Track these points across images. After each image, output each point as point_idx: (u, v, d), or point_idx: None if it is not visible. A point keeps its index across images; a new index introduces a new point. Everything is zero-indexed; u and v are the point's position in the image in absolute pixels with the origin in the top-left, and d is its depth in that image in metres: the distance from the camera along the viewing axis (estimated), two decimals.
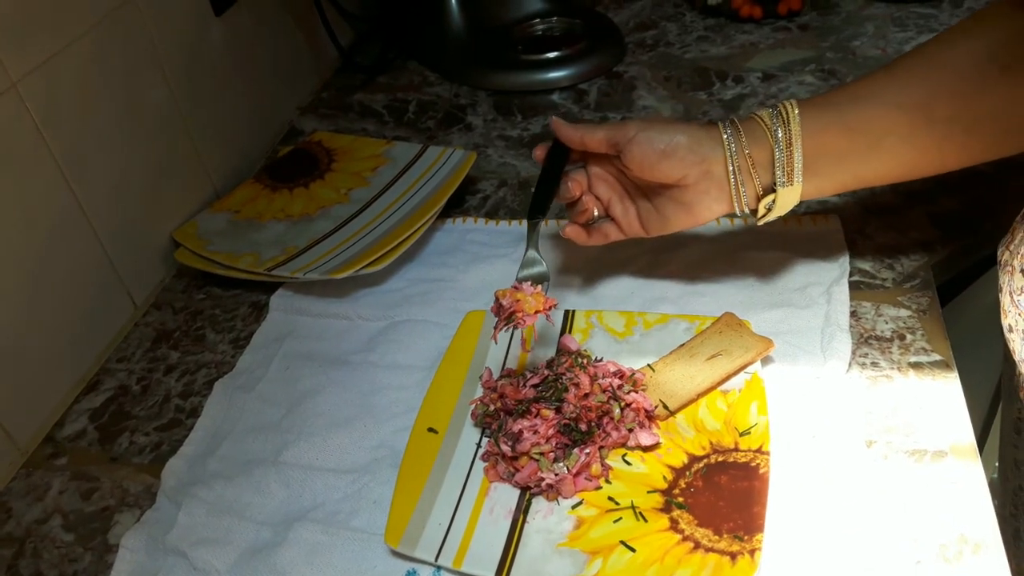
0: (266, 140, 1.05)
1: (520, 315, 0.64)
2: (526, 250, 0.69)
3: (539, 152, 0.72)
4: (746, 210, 0.66)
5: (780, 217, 0.79)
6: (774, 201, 0.65)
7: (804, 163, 0.63)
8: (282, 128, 1.08)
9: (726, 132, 0.64)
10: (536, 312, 0.64)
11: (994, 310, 0.62)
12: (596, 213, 0.71)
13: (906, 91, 0.61)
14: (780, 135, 0.62)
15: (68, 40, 0.74)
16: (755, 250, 0.76)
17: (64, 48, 0.74)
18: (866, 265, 0.74)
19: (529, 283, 0.65)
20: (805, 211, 0.80)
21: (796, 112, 0.62)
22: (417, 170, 0.92)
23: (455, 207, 0.90)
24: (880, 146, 0.62)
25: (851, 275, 0.72)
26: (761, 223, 0.67)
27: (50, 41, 0.73)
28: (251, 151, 1.02)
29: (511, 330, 0.65)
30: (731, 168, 0.64)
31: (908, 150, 0.62)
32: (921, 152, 0.62)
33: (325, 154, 0.98)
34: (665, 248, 0.78)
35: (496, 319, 0.65)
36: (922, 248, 0.74)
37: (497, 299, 0.65)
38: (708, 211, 0.66)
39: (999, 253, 0.60)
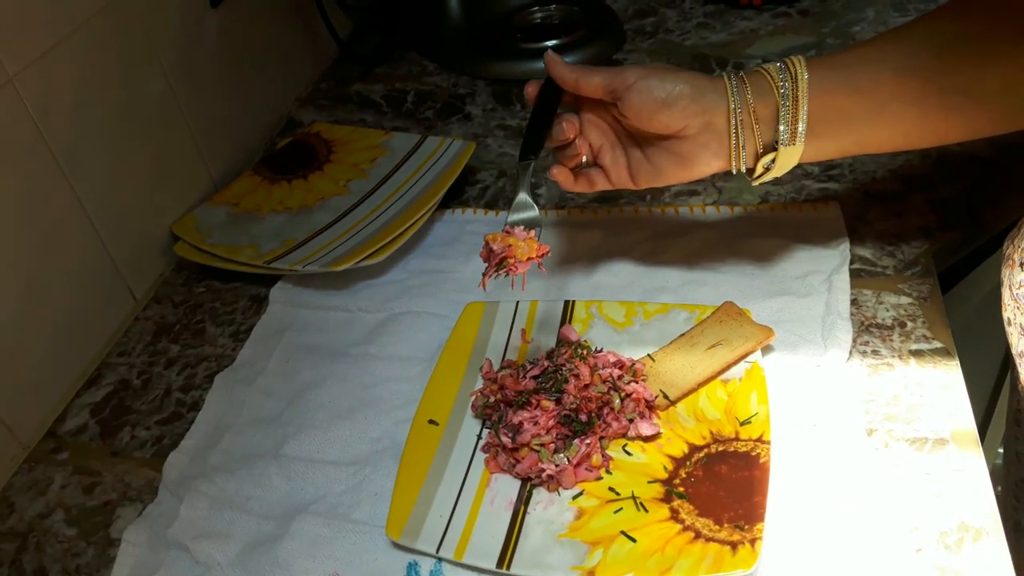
0: (264, 132, 1.05)
1: (512, 261, 0.61)
2: (517, 192, 0.65)
3: (530, 90, 0.68)
4: (743, 168, 0.64)
5: (780, 202, 0.79)
6: (773, 160, 0.63)
7: (808, 123, 0.61)
8: (280, 119, 1.08)
9: (731, 84, 0.62)
10: (528, 259, 0.61)
11: (995, 298, 0.62)
12: (584, 159, 0.69)
13: (917, 56, 0.60)
14: (786, 91, 0.61)
15: (64, 34, 0.74)
16: (755, 238, 0.76)
17: (60, 42, 0.73)
18: (866, 252, 0.73)
19: (521, 228, 0.63)
20: (805, 198, 0.80)
21: (804, 68, 0.61)
22: (416, 161, 0.92)
23: (454, 198, 0.89)
24: (886, 111, 0.61)
25: (851, 262, 0.72)
26: (756, 183, 0.66)
27: (46, 35, 0.72)
28: (249, 143, 1.02)
29: (502, 277, 0.62)
30: (734, 122, 0.62)
31: (913, 117, 0.61)
32: (926, 120, 0.61)
33: (324, 145, 0.98)
34: (665, 236, 0.78)
35: (486, 265, 0.62)
36: (923, 235, 0.74)
37: (487, 244, 0.62)
38: (705, 165, 0.64)
39: (1004, 246, 0.60)
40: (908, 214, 0.76)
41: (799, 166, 0.83)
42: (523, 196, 0.65)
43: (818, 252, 0.73)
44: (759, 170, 0.64)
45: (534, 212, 0.64)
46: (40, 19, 0.72)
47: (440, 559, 0.57)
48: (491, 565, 0.55)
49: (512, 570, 0.55)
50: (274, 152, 0.98)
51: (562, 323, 0.71)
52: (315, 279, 0.81)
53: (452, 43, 1.13)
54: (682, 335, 0.67)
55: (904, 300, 0.69)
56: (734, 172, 0.65)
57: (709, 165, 0.64)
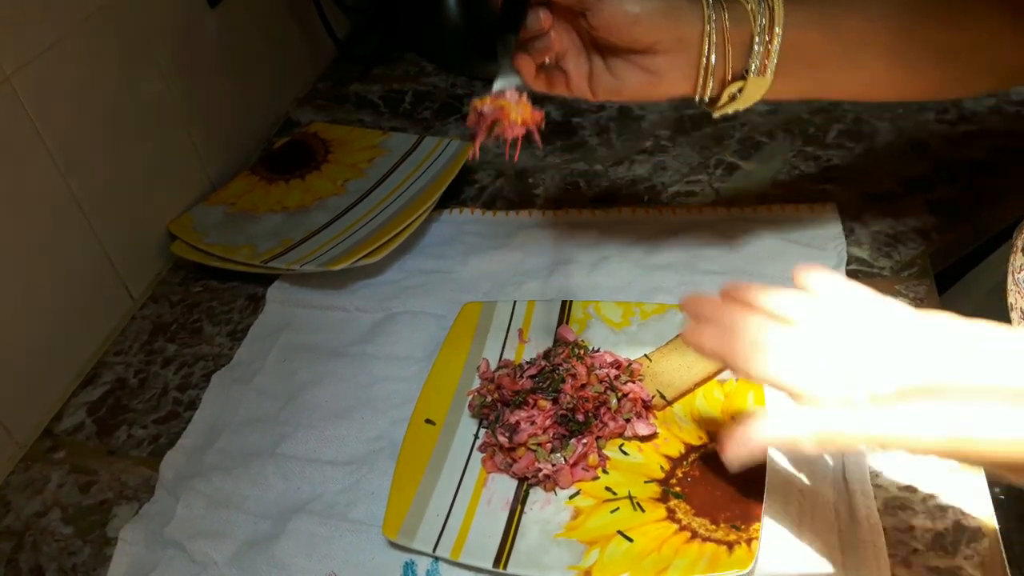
0: (262, 131, 1.05)
1: (506, 123, 0.57)
2: (499, 67, 0.60)
3: None
4: (707, 96, 0.63)
5: (777, 203, 0.79)
6: (740, 90, 0.62)
7: (779, 57, 0.61)
8: (278, 119, 1.08)
9: (709, 4, 0.61)
10: (523, 123, 0.57)
11: (992, 299, 0.62)
12: (547, 60, 0.65)
13: (893, 5, 0.60)
14: (763, 20, 0.60)
15: (62, 33, 0.74)
16: (752, 238, 0.76)
17: (58, 41, 0.73)
18: (863, 253, 0.73)
19: (513, 89, 0.58)
20: (802, 199, 0.80)
21: (780, 2, 0.60)
22: (414, 161, 0.92)
23: (452, 198, 0.89)
24: (856, 56, 0.61)
25: (848, 263, 0.72)
26: (717, 114, 0.65)
27: (44, 34, 0.72)
28: (247, 142, 1.02)
29: (495, 141, 0.58)
30: (707, 43, 0.61)
31: (882, 66, 0.61)
32: (894, 71, 0.62)
33: (321, 145, 0.98)
34: (662, 236, 0.78)
35: (475, 130, 0.58)
36: (920, 236, 0.74)
37: (475, 108, 0.57)
38: (670, 86, 0.63)
39: (1014, 236, 0.60)
40: (905, 215, 0.76)
41: (796, 167, 0.83)
42: (506, 66, 0.60)
43: (815, 253, 0.73)
44: (724, 98, 0.63)
45: (519, 79, 0.60)
46: (38, 18, 0.71)
47: (437, 558, 0.57)
48: (488, 564, 0.55)
49: (509, 570, 0.55)
50: (271, 152, 0.98)
51: (559, 323, 0.71)
52: (312, 279, 0.81)
53: (450, 44, 1.13)
54: (679, 335, 0.67)
55: (900, 301, 0.69)
56: (697, 99, 0.63)
57: (674, 86, 0.63)
